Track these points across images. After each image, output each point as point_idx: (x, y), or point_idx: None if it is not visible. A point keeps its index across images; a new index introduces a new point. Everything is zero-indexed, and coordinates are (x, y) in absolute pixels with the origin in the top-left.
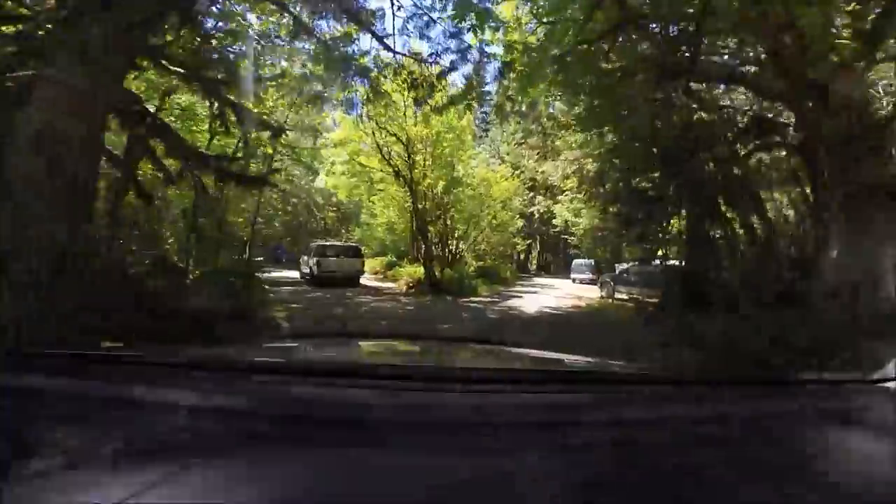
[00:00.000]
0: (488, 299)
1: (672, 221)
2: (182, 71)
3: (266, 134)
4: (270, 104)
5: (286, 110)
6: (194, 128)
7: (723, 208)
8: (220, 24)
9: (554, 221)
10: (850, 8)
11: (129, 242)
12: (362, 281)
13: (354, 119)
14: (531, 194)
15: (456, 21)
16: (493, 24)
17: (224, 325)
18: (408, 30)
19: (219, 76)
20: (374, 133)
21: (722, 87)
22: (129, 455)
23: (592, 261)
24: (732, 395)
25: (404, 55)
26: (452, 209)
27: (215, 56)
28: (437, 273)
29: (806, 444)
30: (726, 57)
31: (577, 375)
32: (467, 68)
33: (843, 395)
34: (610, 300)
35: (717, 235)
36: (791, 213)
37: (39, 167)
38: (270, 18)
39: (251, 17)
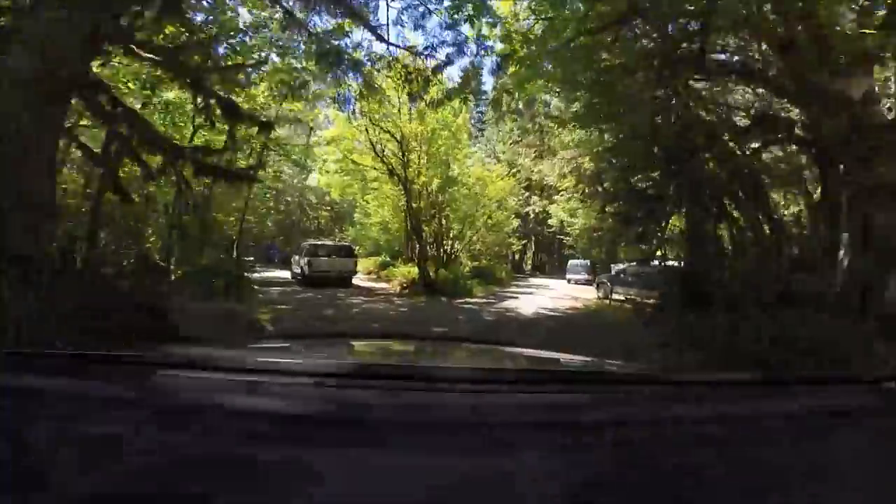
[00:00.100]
0: (484, 300)
1: (671, 221)
2: (156, 58)
3: (256, 129)
4: (261, 100)
5: (277, 106)
6: (181, 123)
7: (728, 206)
8: (210, 17)
9: (549, 221)
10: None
11: (107, 241)
12: (355, 281)
13: (347, 115)
14: (526, 194)
15: (452, 12)
16: (490, 20)
17: (203, 327)
18: (402, 21)
19: (203, 68)
20: (367, 130)
21: (727, 81)
22: (129, 455)
23: (588, 261)
24: (732, 395)
25: (398, 46)
26: (447, 208)
27: (199, 46)
28: (431, 273)
29: (806, 444)
30: (730, 53)
31: (577, 375)
32: (464, 62)
33: (844, 395)
34: (607, 301)
35: (721, 234)
36: (792, 211)
37: None
38: (263, 13)
39: (242, 11)
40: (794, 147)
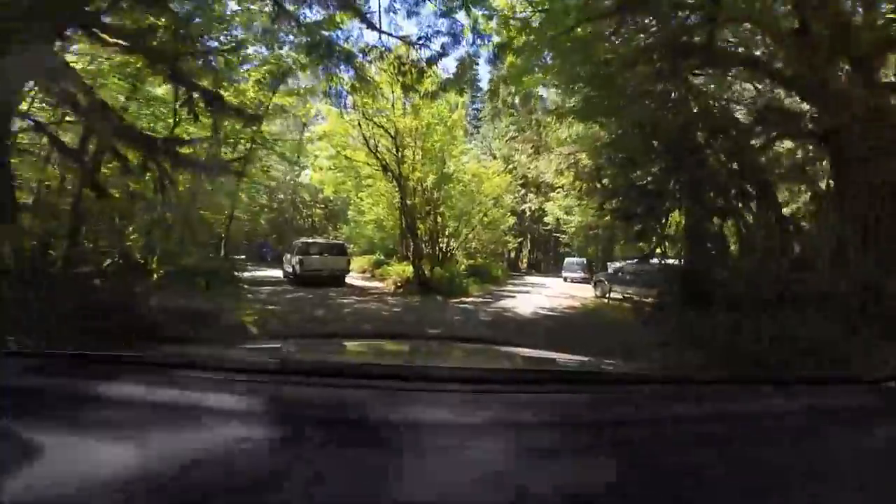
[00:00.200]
0: (480, 299)
1: (672, 217)
2: (123, 43)
3: (251, 125)
4: (252, 94)
5: (266, 101)
6: (164, 117)
7: (734, 202)
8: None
9: (545, 219)
10: None
11: (86, 239)
12: (348, 280)
13: (339, 110)
14: (522, 191)
15: None
16: (486, 13)
17: (182, 328)
18: (395, 8)
19: (178, 53)
20: (359, 124)
21: (732, 73)
22: (129, 455)
23: (584, 259)
24: (732, 394)
25: (391, 35)
26: (443, 206)
27: (171, 29)
28: (426, 272)
29: (806, 444)
30: (736, 43)
31: (576, 375)
32: (460, 52)
33: (844, 395)
34: (605, 300)
35: (726, 231)
36: (791, 208)
37: None
38: (252, 6)
39: (231, 3)
40: (801, 141)
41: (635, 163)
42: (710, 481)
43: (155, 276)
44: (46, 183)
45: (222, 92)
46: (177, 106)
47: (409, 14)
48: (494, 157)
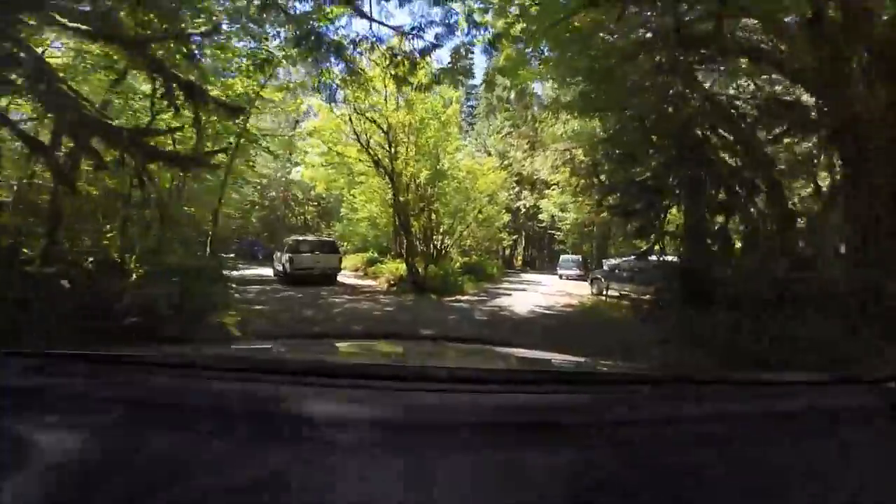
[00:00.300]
0: (475, 298)
1: (671, 214)
2: (81, 27)
3: (235, 118)
4: (240, 89)
5: (252, 94)
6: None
7: (739, 197)
8: None
9: (540, 216)
10: None
11: (60, 238)
12: (340, 278)
13: (330, 105)
14: (517, 188)
15: None
16: (481, 6)
17: (156, 330)
18: None
19: (146, 37)
20: (350, 119)
21: (739, 64)
22: (129, 455)
23: (579, 257)
24: (732, 394)
25: (381, 24)
26: (437, 202)
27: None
28: (420, 270)
29: (806, 444)
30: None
31: (575, 376)
32: (454, 43)
33: (844, 395)
34: (602, 297)
35: (730, 228)
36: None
37: None
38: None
39: None
40: (810, 136)
41: (634, 158)
42: (710, 481)
43: (134, 275)
44: (24, 180)
45: (209, 87)
46: (153, 97)
47: (402, 2)
48: (489, 154)
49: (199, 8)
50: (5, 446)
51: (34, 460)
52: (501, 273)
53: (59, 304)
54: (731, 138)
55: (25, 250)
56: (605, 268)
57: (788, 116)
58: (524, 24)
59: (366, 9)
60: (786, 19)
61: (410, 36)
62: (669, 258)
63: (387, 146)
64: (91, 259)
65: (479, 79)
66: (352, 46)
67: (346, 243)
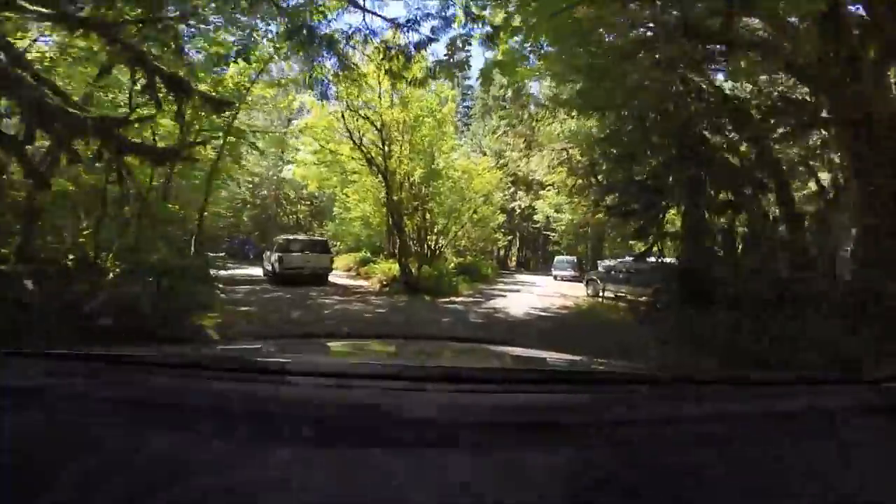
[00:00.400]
0: (470, 299)
1: (669, 215)
2: (43, 10)
3: (220, 112)
4: (231, 86)
5: (240, 89)
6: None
7: (746, 196)
8: None
9: (535, 217)
10: None
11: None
12: (332, 279)
13: (322, 102)
14: (512, 189)
15: None
16: (479, 2)
17: (134, 331)
18: None
19: (118, 20)
20: (343, 116)
21: (748, 60)
22: (129, 454)
23: (574, 258)
24: (732, 394)
25: (375, 14)
26: (431, 202)
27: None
28: (413, 270)
29: (806, 444)
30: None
31: (575, 375)
32: (451, 35)
33: (844, 395)
34: (599, 299)
35: (734, 227)
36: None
37: None
38: None
39: None
40: (814, 133)
41: (634, 157)
42: (710, 481)
43: (110, 274)
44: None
45: (199, 83)
46: (132, 90)
47: None
48: (484, 154)
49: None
50: (5, 446)
51: (34, 460)
52: (496, 274)
53: (26, 305)
54: (737, 136)
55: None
56: (601, 269)
57: (798, 114)
58: (524, 15)
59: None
60: (790, 18)
61: (405, 29)
62: (668, 260)
63: (380, 144)
64: (69, 257)
65: (475, 79)
66: (345, 40)
67: (338, 243)
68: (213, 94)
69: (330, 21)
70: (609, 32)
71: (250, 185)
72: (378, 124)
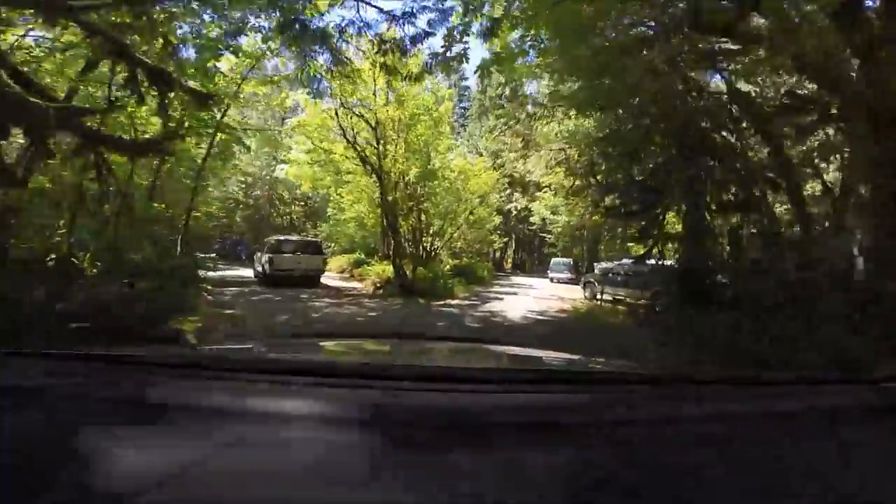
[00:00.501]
0: (466, 302)
1: (669, 216)
2: None
3: (206, 106)
4: (223, 83)
5: (230, 85)
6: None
7: (757, 195)
8: None
9: (531, 219)
10: None
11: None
12: (325, 280)
13: (315, 99)
14: (508, 190)
15: None
16: None
17: (109, 335)
18: None
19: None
20: (336, 113)
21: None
22: (129, 455)
23: (570, 260)
24: (732, 394)
25: (368, 4)
26: (427, 202)
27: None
28: (408, 272)
29: (806, 444)
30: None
31: (575, 375)
32: (448, 27)
33: (844, 395)
34: (596, 302)
35: (742, 228)
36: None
37: None
38: None
39: None
40: (832, 130)
41: (635, 156)
42: (710, 481)
43: (87, 275)
44: None
45: (190, 80)
46: (111, 82)
47: None
48: (481, 155)
49: None
50: (5, 446)
51: (34, 460)
52: (492, 276)
53: None
54: (748, 133)
55: None
56: (598, 271)
57: (808, 111)
58: (525, 4)
59: None
60: (801, 11)
61: (401, 21)
62: (668, 262)
63: (375, 143)
64: (49, 257)
65: (474, 72)
66: (338, 33)
67: (333, 244)
68: (201, 89)
69: (323, 14)
70: (614, 22)
71: (243, 185)
72: (373, 122)
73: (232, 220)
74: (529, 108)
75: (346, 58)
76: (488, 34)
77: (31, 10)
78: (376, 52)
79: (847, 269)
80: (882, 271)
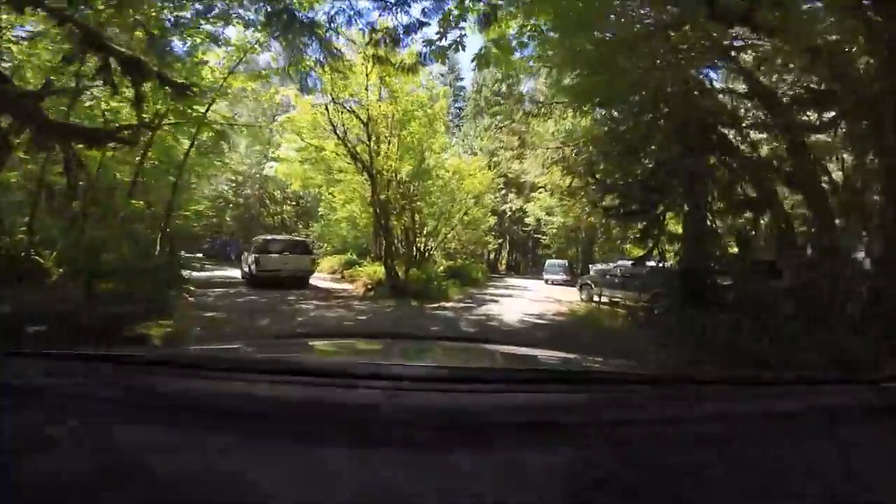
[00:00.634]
0: (460, 305)
1: (669, 217)
2: None
3: (182, 97)
4: (210, 78)
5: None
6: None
7: (773, 193)
8: None
9: (526, 220)
10: None
11: None
12: (315, 281)
13: (305, 94)
14: (503, 191)
15: None
16: None
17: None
18: None
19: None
20: (327, 108)
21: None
22: (129, 455)
23: (566, 261)
24: (732, 394)
25: None
26: (420, 202)
27: None
28: (400, 273)
29: (806, 444)
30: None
31: (574, 375)
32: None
33: (844, 394)
34: (594, 304)
35: (749, 227)
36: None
37: None
38: None
39: None
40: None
41: (636, 154)
42: (710, 481)
43: (53, 276)
44: None
45: (176, 75)
46: (78, 71)
47: None
48: (475, 155)
49: None
50: (5, 446)
51: (34, 460)
52: (486, 277)
53: None
54: (764, 127)
55: None
56: (595, 273)
57: (834, 104)
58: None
59: None
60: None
61: (394, 8)
62: (668, 264)
63: (367, 139)
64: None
65: (468, 79)
66: (327, 22)
67: (324, 244)
68: (183, 80)
69: (314, 6)
70: (618, 12)
71: (234, 184)
72: (364, 118)
73: (222, 220)
74: (526, 105)
75: (337, 49)
76: (486, 22)
77: None
78: (368, 43)
79: (850, 269)
80: (888, 272)
